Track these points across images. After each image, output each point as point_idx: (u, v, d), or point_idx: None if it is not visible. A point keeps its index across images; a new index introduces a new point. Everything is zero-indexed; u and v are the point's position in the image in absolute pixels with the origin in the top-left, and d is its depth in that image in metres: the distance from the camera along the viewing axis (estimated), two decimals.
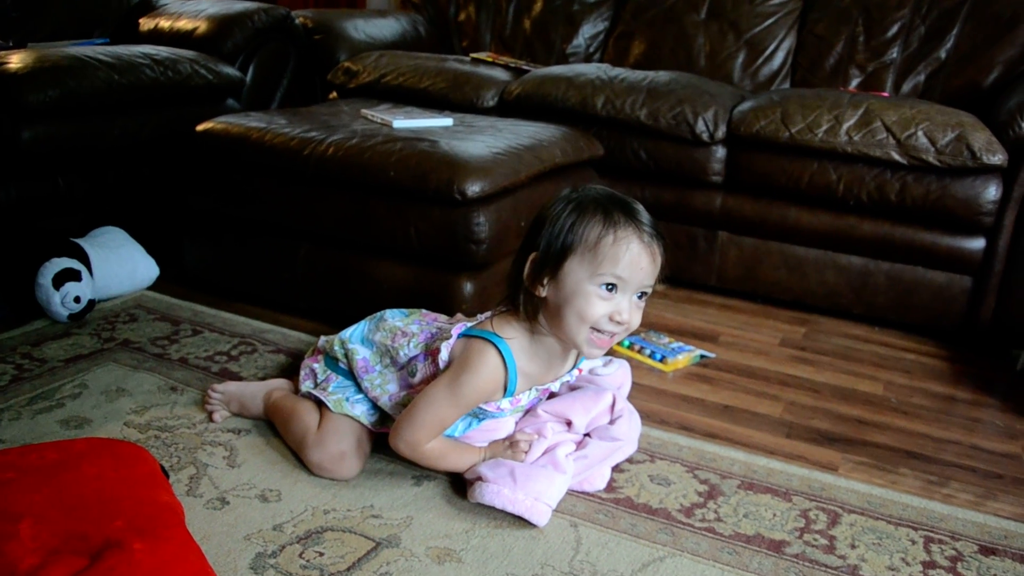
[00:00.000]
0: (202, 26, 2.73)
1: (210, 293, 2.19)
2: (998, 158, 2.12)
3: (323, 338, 1.59)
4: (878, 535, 1.37)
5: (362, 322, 1.56)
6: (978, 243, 2.23)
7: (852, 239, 2.31)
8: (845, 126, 2.22)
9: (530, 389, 1.38)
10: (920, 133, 2.16)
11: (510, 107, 2.56)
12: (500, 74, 2.71)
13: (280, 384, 1.62)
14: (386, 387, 1.43)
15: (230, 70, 2.57)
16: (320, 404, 1.46)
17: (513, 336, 1.33)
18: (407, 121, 2.13)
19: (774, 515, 1.39)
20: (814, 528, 1.37)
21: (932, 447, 1.72)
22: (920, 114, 2.20)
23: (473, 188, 1.76)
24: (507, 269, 1.97)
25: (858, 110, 2.24)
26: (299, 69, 2.92)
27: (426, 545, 1.22)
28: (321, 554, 1.19)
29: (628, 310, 1.25)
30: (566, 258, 1.24)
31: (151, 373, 1.72)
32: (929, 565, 1.30)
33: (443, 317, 1.54)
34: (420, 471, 1.41)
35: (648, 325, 2.21)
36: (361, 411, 1.44)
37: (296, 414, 1.46)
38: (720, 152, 2.37)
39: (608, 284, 1.23)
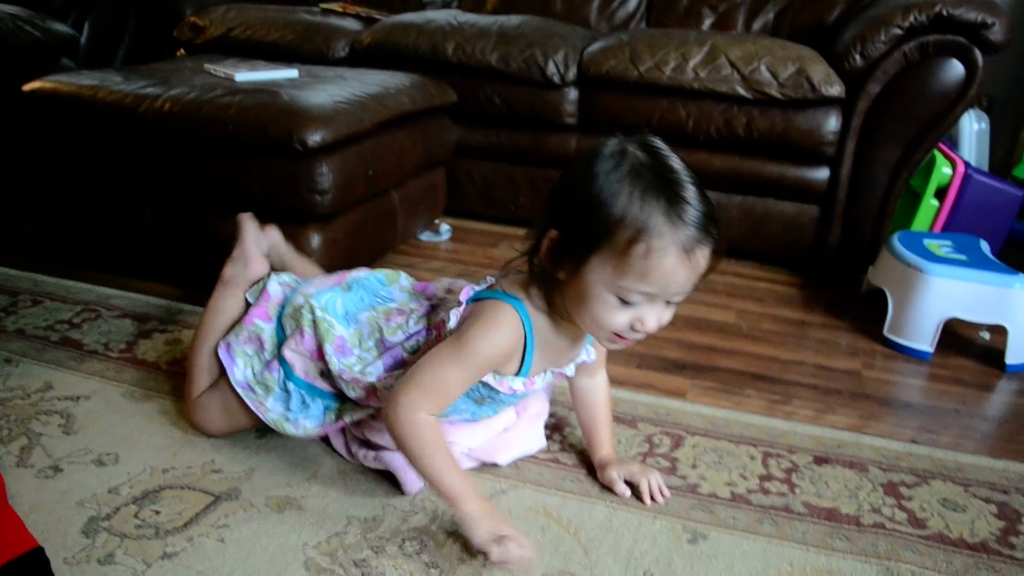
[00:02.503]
0: None
1: (54, 263, 2.09)
2: (836, 89, 2.20)
3: (277, 281, 1.38)
4: (719, 454, 1.42)
5: (329, 285, 1.33)
6: (822, 173, 2.31)
7: (704, 174, 2.31)
8: (692, 63, 2.26)
9: (545, 372, 1.21)
10: (763, 67, 2.22)
11: (362, 57, 2.52)
12: (351, 24, 2.65)
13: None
14: (368, 369, 1.23)
15: (60, 26, 2.44)
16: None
17: (530, 302, 1.14)
18: (250, 74, 2.07)
19: (619, 442, 1.42)
20: (657, 452, 1.41)
21: (778, 368, 1.79)
22: (763, 49, 2.26)
23: (314, 137, 1.72)
24: (357, 220, 1.97)
25: (703, 47, 2.29)
26: (142, 26, 2.80)
27: (266, 495, 1.21)
28: (157, 512, 1.16)
29: (653, 320, 1.05)
30: (590, 253, 1.02)
31: None
32: (765, 478, 1.36)
33: (435, 285, 1.33)
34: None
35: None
36: (304, 428, 1.27)
37: (198, 360, 1.38)
38: (572, 94, 2.39)
39: (632, 299, 1.04)
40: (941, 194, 2.44)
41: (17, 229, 2.15)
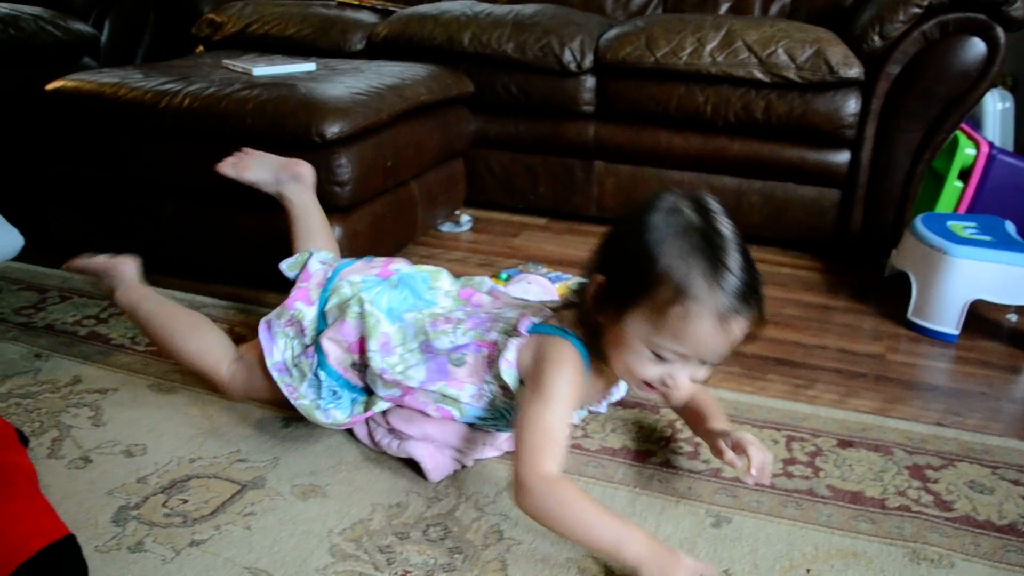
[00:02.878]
0: None
1: None
2: (855, 71, 2.18)
3: (318, 260, 1.41)
4: None
5: (375, 275, 1.34)
6: (843, 156, 2.30)
7: (724, 160, 2.36)
8: (708, 47, 2.25)
9: (582, 407, 1.23)
10: (780, 50, 2.20)
11: (378, 50, 2.52)
12: (367, 17, 2.66)
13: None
14: (410, 372, 1.22)
15: (81, 26, 2.47)
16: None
17: (583, 336, 1.15)
18: (268, 68, 2.09)
19: (640, 428, 1.42)
20: (680, 437, 1.41)
21: (801, 353, 1.78)
22: (780, 32, 2.24)
23: (332, 129, 1.73)
24: (378, 211, 1.98)
25: (720, 31, 2.27)
26: (161, 24, 2.82)
27: (291, 483, 1.22)
28: (185, 501, 1.18)
29: (684, 378, 1.07)
30: (632, 305, 1.04)
31: (14, 343, 1.67)
32: (789, 462, 1.35)
33: (479, 294, 1.34)
34: (290, 412, 1.38)
35: (527, 258, 2.23)
36: (334, 419, 1.27)
37: (201, 332, 1.42)
38: (589, 81, 2.39)
39: (666, 356, 1.05)
40: (965, 176, 2.41)
41: (44, 228, 2.18)
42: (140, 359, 1.61)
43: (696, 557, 1.07)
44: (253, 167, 1.68)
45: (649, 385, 1.10)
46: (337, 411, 1.28)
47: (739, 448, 1.17)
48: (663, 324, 1.01)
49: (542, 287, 1.59)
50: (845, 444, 1.41)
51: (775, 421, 1.47)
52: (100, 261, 1.52)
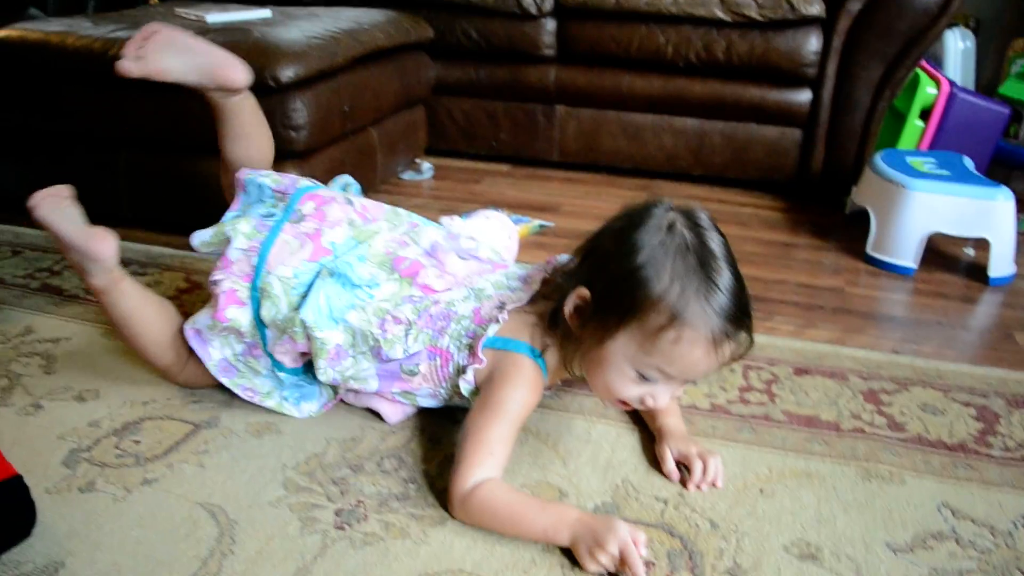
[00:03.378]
0: None
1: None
2: (815, 8, 2.17)
3: (236, 246, 1.18)
4: None
5: (304, 264, 1.16)
6: (804, 95, 2.29)
7: (685, 101, 2.35)
8: None
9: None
10: None
11: None
12: None
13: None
14: (363, 376, 1.16)
15: None
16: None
17: (545, 346, 1.11)
18: (221, 15, 2.04)
19: None
20: None
21: (761, 287, 1.79)
22: None
23: (287, 73, 1.70)
24: (336, 157, 1.96)
25: None
26: None
27: (246, 422, 1.21)
28: (137, 442, 1.16)
29: (665, 397, 1.05)
30: (620, 325, 1.00)
31: None
32: (745, 389, 1.36)
33: (430, 270, 1.19)
34: None
35: (487, 202, 2.22)
36: (307, 413, 1.22)
37: (152, 353, 1.26)
38: (550, 24, 2.36)
39: (651, 376, 1.03)
40: (926, 115, 2.42)
41: None
42: (93, 309, 1.58)
43: (650, 486, 1.08)
44: (165, 57, 1.31)
45: (624, 403, 1.07)
46: (308, 404, 1.23)
47: (686, 461, 1.13)
48: (654, 348, 0.98)
49: (501, 223, 1.57)
50: (801, 372, 1.42)
51: None
52: (74, 232, 1.18)
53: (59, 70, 1.89)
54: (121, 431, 1.19)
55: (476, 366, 1.10)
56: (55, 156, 2.01)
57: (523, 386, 1.07)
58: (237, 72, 1.32)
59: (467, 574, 0.93)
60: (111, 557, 0.94)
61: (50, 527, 0.99)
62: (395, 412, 1.22)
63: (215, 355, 1.22)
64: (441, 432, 1.20)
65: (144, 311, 1.25)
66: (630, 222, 1.03)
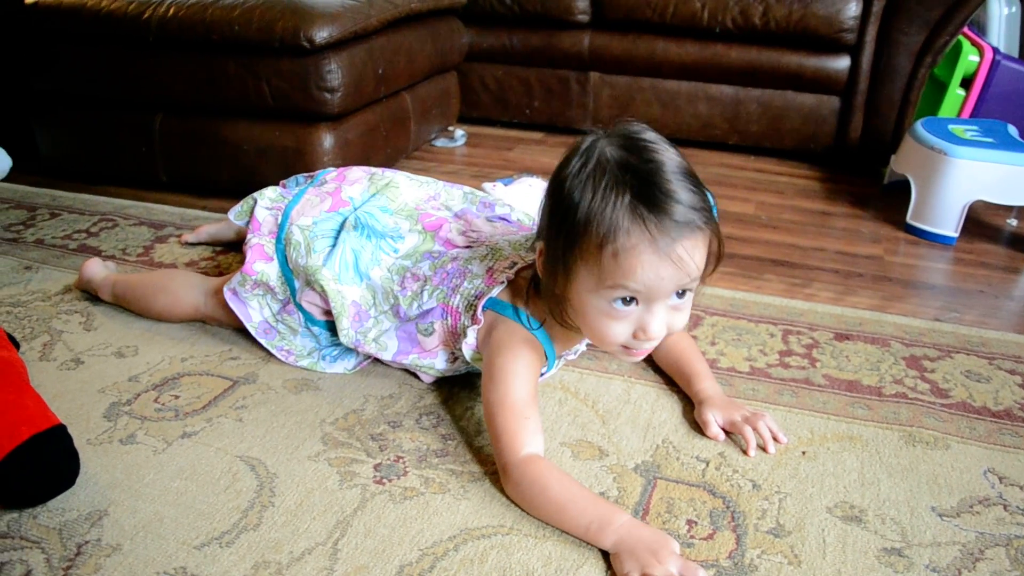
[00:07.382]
0: None
1: (70, 179, 2.09)
2: None
3: (264, 206, 1.30)
4: (738, 332, 1.41)
5: (326, 211, 1.24)
6: (843, 62, 2.25)
7: (721, 68, 2.31)
8: None
9: (560, 358, 1.19)
10: None
11: None
12: None
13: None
14: (384, 340, 1.17)
15: None
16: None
17: (541, 312, 1.07)
18: None
19: None
20: None
21: (798, 255, 1.77)
22: None
23: (321, 34, 1.70)
24: (370, 121, 1.95)
25: None
26: None
27: (283, 379, 1.22)
28: (177, 397, 1.17)
29: (655, 324, 0.95)
30: (573, 263, 0.95)
31: (3, 256, 1.65)
32: (786, 353, 1.34)
33: (455, 228, 1.23)
34: None
35: (522, 169, 2.20)
36: (344, 368, 1.24)
37: (165, 289, 1.38)
38: None
39: (622, 299, 0.95)
40: (968, 84, 2.37)
41: (31, 146, 2.15)
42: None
43: (691, 447, 1.07)
44: None
45: (627, 348, 1.00)
46: (344, 359, 1.24)
47: (732, 429, 1.11)
48: (604, 272, 0.92)
49: (543, 192, 1.55)
50: (842, 337, 1.40)
51: (771, 316, 1.46)
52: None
53: (94, 34, 1.89)
54: (160, 386, 1.20)
55: (476, 327, 1.08)
56: (91, 120, 2.01)
57: (520, 352, 1.04)
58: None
59: (507, 529, 0.93)
60: (153, 507, 0.95)
61: (92, 477, 1.00)
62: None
63: (255, 316, 1.28)
64: (478, 392, 1.20)
65: (143, 285, 1.41)
66: (561, 162, 0.99)
